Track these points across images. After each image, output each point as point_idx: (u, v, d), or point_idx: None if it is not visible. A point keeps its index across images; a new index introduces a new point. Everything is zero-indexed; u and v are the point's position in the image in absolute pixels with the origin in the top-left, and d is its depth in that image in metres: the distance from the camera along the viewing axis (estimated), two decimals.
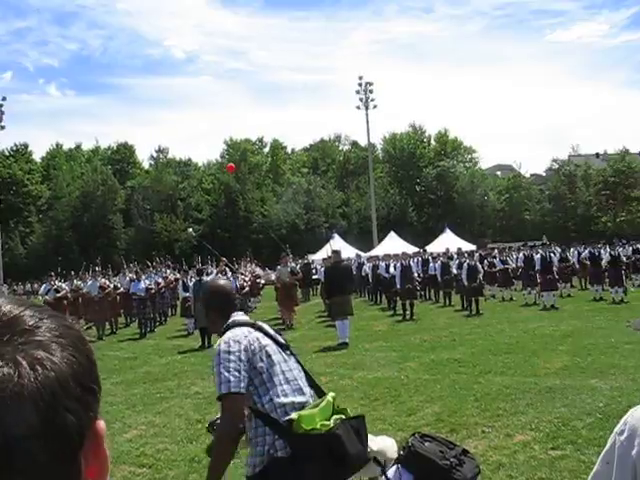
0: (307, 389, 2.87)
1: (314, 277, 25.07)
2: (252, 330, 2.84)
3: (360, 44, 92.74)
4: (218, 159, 62.69)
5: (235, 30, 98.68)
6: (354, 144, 63.86)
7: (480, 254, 22.29)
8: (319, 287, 21.80)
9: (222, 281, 3.44)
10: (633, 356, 8.63)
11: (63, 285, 18.75)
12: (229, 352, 2.68)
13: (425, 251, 24.16)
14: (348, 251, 28.64)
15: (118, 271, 24.33)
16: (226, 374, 2.64)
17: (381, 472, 3.08)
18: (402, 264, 16.61)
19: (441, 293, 19.73)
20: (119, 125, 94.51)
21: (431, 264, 20.30)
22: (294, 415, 2.64)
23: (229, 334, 2.78)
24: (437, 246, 30.97)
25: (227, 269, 18.92)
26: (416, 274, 17.49)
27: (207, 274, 17.38)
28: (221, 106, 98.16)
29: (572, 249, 22.66)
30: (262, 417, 2.70)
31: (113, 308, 18.21)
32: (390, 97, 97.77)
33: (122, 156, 62.97)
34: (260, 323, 2.96)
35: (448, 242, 30.43)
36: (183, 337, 15.64)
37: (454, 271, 18.47)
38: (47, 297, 16.87)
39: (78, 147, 65.08)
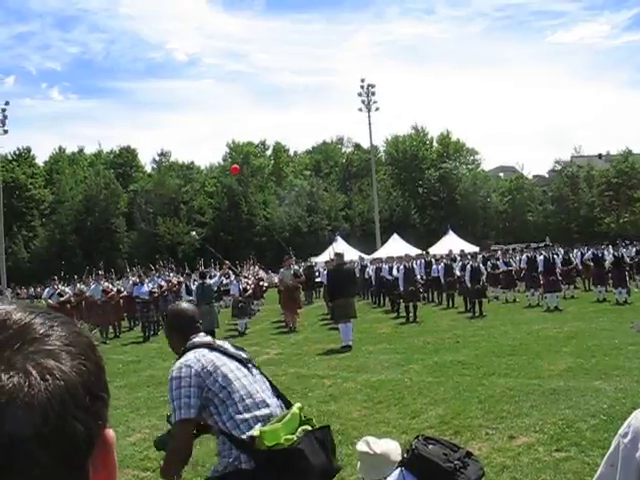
0: (272, 400, 2.89)
1: (317, 280, 25.07)
2: (208, 352, 2.89)
3: (362, 46, 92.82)
4: (220, 162, 62.73)
5: (237, 33, 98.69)
6: (356, 146, 63.77)
7: (483, 256, 22.24)
8: (322, 290, 21.78)
9: (184, 304, 3.47)
10: (637, 357, 8.59)
11: (66, 289, 18.81)
12: (180, 378, 2.78)
13: (428, 253, 24.12)
14: (351, 253, 28.67)
15: (121, 275, 24.44)
16: (177, 401, 2.73)
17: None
18: (405, 266, 16.59)
19: (444, 295, 19.73)
20: (121, 129, 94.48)
21: (434, 266, 20.32)
22: (256, 432, 2.66)
23: (183, 359, 2.88)
24: (440, 248, 30.98)
25: (230, 272, 18.95)
26: (419, 276, 17.46)
27: (210, 277, 17.41)
28: (223, 109, 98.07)
29: (575, 250, 22.64)
30: (225, 435, 2.74)
31: (117, 312, 18.25)
32: (392, 99, 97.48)
33: (125, 160, 62.95)
34: (219, 342, 3.02)
35: (451, 244, 30.42)
36: None
37: (457, 273, 18.47)
38: (50, 301, 16.88)
39: (81, 151, 65.13)
